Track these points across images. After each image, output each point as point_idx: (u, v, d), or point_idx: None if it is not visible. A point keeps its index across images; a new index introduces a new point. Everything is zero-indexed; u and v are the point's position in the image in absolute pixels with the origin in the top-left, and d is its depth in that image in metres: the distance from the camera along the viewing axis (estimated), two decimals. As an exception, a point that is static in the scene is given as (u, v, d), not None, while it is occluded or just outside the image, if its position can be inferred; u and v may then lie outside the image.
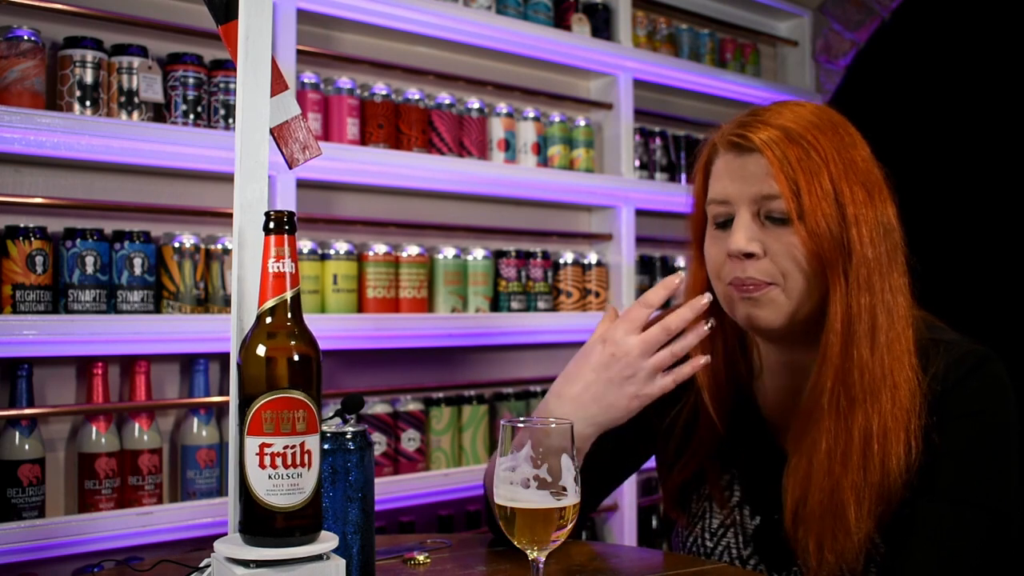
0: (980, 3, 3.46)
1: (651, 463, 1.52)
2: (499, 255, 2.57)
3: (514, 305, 2.55)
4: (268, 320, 0.99)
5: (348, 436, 1.13)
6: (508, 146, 2.59)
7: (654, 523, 2.87)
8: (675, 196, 2.91)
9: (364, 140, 2.33)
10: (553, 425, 1.09)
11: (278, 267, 0.99)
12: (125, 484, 1.94)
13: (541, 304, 2.62)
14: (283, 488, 0.96)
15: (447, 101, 2.48)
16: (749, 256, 1.24)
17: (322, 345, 1.01)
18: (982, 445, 1.22)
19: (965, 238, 3.50)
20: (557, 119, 2.73)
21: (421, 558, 1.33)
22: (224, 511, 1.60)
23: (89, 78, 1.92)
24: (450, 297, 2.44)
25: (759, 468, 1.36)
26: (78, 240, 1.88)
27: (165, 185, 2.13)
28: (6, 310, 1.81)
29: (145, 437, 1.97)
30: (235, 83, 1.18)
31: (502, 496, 1.08)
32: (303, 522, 0.98)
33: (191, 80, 2.05)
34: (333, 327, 2.18)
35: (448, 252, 2.45)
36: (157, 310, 1.97)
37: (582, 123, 2.78)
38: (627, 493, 2.75)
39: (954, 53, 3.55)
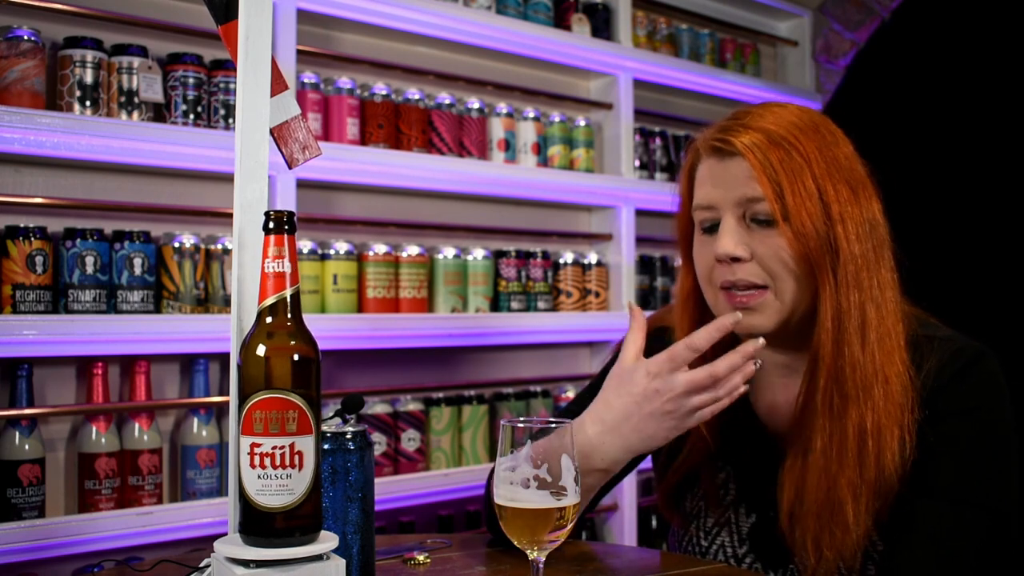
0: (980, 3, 3.46)
1: (650, 463, 1.53)
2: (499, 255, 2.57)
3: (514, 305, 2.55)
4: (268, 319, 0.99)
5: (348, 436, 1.13)
6: (508, 146, 2.59)
7: (654, 523, 2.87)
8: (675, 196, 2.90)
9: (364, 140, 2.33)
10: (553, 425, 1.09)
11: (278, 267, 0.99)
12: (125, 484, 1.94)
13: (541, 304, 2.62)
14: (272, 488, 0.96)
15: (447, 101, 2.48)
16: (736, 260, 1.24)
17: (322, 345, 1.01)
18: (981, 444, 1.23)
19: (963, 236, 3.50)
20: (557, 119, 2.73)
21: (421, 558, 1.33)
22: (224, 511, 1.60)
23: (89, 78, 1.92)
24: (450, 297, 2.44)
25: (754, 467, 1.36)
26: (78, 240, 1.88)
27: (165, 185, 2.13)
28: (6, 310, 1.81)
29: (145, 437, 1.97)
30: (235, 83, 1.18)
31: (502, 496, 1.08)
32: (302, 522, 0.98)
33: (191, 80, 2.05)
34: (333, 327, 2.18)
35: (448, 252, 2.45)
36: (157, 310, 1.98)
37: (582, 123, 2.78)
38: (627, 493, 2.75)
39: (954, 53, 3.55)
